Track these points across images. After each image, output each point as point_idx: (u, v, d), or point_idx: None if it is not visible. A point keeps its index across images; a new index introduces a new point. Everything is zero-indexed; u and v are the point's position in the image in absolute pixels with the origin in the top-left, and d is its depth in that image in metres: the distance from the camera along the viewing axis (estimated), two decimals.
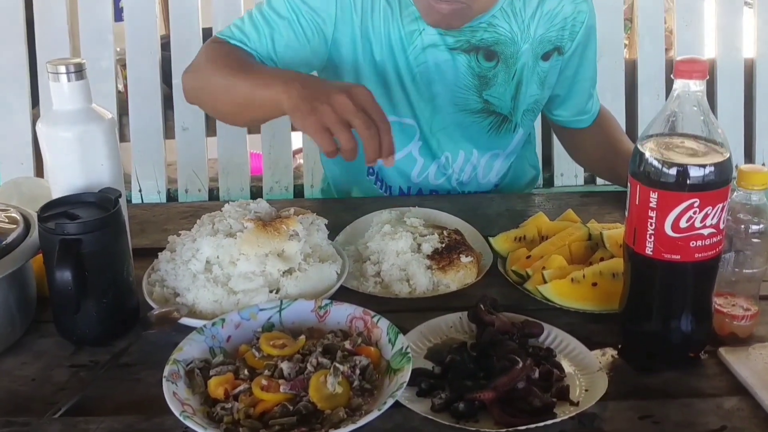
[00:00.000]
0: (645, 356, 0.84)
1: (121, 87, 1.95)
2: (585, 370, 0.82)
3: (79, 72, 0.92)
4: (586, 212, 1.19)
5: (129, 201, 1.86)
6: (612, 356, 0.85)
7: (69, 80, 0.91)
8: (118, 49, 1.87)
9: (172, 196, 1.87)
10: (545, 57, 1.25)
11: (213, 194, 1.87)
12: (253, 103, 1.03)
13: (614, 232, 0.99)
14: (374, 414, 0.70)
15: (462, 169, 1.33)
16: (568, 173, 1.88)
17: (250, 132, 1.88)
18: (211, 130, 1.87)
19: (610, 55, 1.86)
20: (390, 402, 0.71)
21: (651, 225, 0.78)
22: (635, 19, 1.92)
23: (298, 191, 1.88)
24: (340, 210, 1.22)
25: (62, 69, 0.91)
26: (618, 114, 1.84)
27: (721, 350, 0.84)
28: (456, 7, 1.10)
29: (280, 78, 0.98)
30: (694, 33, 1.89)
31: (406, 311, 0.94)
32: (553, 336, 0.88)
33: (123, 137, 1.87)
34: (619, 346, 0.87)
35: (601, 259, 0.98)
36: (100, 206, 0.89)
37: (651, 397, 0.78)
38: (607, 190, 1.30)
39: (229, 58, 1.12)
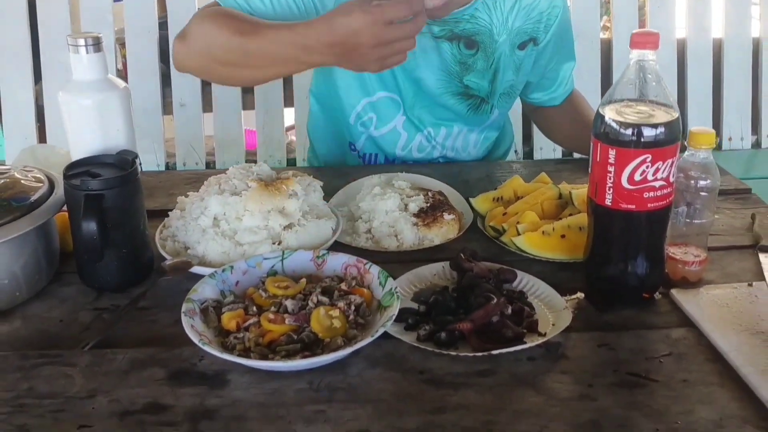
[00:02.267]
0: (606, 298, 0.95)
1: (120, 65, 2.03)
2: (553, 309, 0.93)
3: (97, 45, 1.01)
4: (559, 177, 1.30)
5: None
6: (578, 299, 0.96)
7: (87, 52, 1.01)
8: (117, 29, 1.96)
9: (170, 168, 1.96)
10: (521, 47, 1.35)
11: (210, 167, 1.96)
12: (270, 53, 1.07)
13: (582, 191, 1.10)
14: (368, 340, 0.80)
15: (443, 144, 1.43)
16: (547, 147, 1.99)
17: (244, 108, 1.97)
18: (207, 106, 1.97)
19: (586, 36, 1.97)
20: (381, 330, 0.82)
21: (610, 179, 0.89)
22: (612, 2, 2.03)
23: (291, 164, 1.97)
24: (331, 177, 1.32)
25: (81, 42, 1.00)
26: (594, 91, 1.96)
27: (673, 291, 0.96)
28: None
29: (289, 27, 1.05)
30: (666, 14, 2.00)
31: (394, 263, 1.04)
32: (526, 281, 0.98)
33: None
34: (585, 291, 0.97)
35: (570, 215, 1.08)
36: (119, 166, 0.98)
37: (609, 329, 0.89)
38: (579, 159, 1.41)
39: (242, 18, 1.13)
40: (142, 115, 1.93)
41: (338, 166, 1.50)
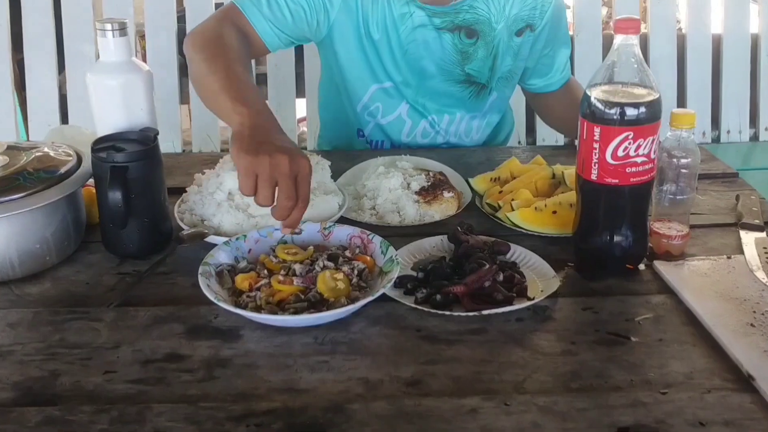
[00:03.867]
0: (593, 268, 1.02)
1: (139, 56, 2.11)
2: (542, 277, 1.00)
3: (123, 30, 1.09)
4: (554, 161, 1.36)
5: None
6: (566, 269, 1.03)
7: (114, 36, 1.08)
8: (137, 22, 2.04)
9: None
10: (518, 33, 1.42)
11: None
12: (218, 109, 1.12)
13: (573, 170, 1.17)
14: (369, 298, 0.88)
15: (447, 130, 1.50)
16: (550, 138, 2.05)
17: None
18: None
19: (588, 31, 2.03)
20: (381, 291, 0.89)
21: (595, 155, 0.95)
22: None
23: (302, 147, 2.05)
24: (339, 159, 1.39)
25: (108, 26, 1.08)
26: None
27: (656, 262, 1.02)
28: None
29: (246, 106, 1.03)
30: (665, 9, 2.06)
31: (396, 236, 1.11)
32: (518, 253, 1.05)
33: None
34: (573, 263, 1.04)
35: (562, 194, 1.15)
36: (142, 142, 1.06)
37: (593, 295, 0.96)
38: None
39: (227, 60, 1.16)
40: (160, 104, 1.97)
41: (347, 150, 1.57)
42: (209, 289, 0.91)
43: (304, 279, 0.93)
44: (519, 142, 2.04)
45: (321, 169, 1.18)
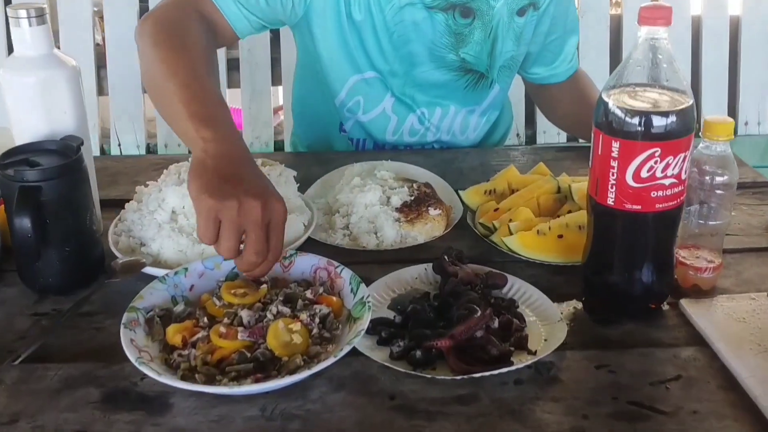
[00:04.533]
0: (606, 308, 0.84)
1: (99, 39, 1.92)
2: (546, 321, 0.82)
3: (41, 17, 0.90)
4: (560, 167, 1.18)
5: (107, 155, 1.86)
6: (574, 308, 0.86)
7: (30, 25, 0.90)
8: (95, 1, 1.84)
9: (151, 151, 1.86)
10: (520, 12, 1.23)
11: None
12: (176, 126, 0.91)
13: (582, 185, 0.99)
14: (329, 361, 0.70)
15: (438, 126, 1.31)
16: (551, 131, 1.87)
17: (229, 86, 1.85)
18: None
19: (594, 10, 1.84)
20: (346, 349, 0.72)
21: (613, 175, 0.77)
22: None
23: (279, 148, 1.86)
24: (312, 163, 1.22)
25: (23, 14, 0.89)
26: (602, 72, 1.83)
27: (683, 302, 0.85)
28: None
29: (211, 128, 0.84)
30: None
31: (373, 263, 0.94)
32: (517, 287, 0.88)
33: (101, 90, 1.85)
34: (583, 299, 0.87)
35: (569, 212, 0.97)
36: (62, 154, 0.88)
37: (609, 347, 0.79)
38: (584, 146, 1.29)
39: (189, 61, 0.95)
40: (122, 92, 1.83)
41: (324, 150, 1.39)
42: (133, 345, 0.73)
43: (252, 331, 0.75)
44: (518, 135, 1.86)
45: (284, 182, 0.99)
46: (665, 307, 0.85)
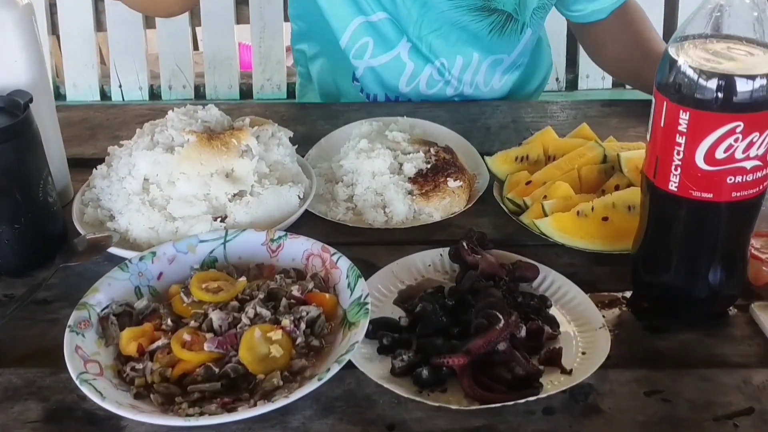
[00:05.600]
0: (660, 311, 0.69)
1: None
2: (584, 327, 0.67)
3: None
4: (606, 126, 1.02)
5: (108, 98, 1.71)
6: (619, 309, 0.71)
7: None
8: None
9: (155, 93, 1.71)
10: None
11: (199, 91, 1.71)
12: None
13: (635, 154, 0.82)
14: (311, 386, 0.56)
15: (460, 79, 1.13)
16: (595, 75, 1.67)
17: (238, 22, 1.68)
18: (196, 19, 1.69)
19: None
20: (334, 369, 0.58)
21: (678, 154, 0.61)
22: None
23: (292, 90, 1.70)
24: (317, 117, 1.06)
25: None
26: (656, 7, 1.61)
27: (755, 306, 0.69)
28: None
29: None
30: None
31: (379, 244, 0.79)
32: (550, 281, 0.73)
33: (100, 26, 1.69)
34: (629, 296, 0.72)
35: (617, 188, 0.81)
36: (9, 113, 0.73)
37: (662, 365, 0.64)
38: (634, 98, 1.11)
39: None
40: (122, 28, 1.67)
41: (335, 100, 1.22)
42: (77, 355, 0.60)
43: (222, 340, 0.61)
44: (557, 80, 1.67)
45: (276, 144, 0.84)
46: (732, 311, 0.70)
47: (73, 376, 0.58)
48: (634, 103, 1.09)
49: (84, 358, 0.60)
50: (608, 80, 1.68)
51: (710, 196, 0.61)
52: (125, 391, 0.59)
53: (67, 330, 0.62)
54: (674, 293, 0.68)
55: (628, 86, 1.64)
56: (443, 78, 1.13)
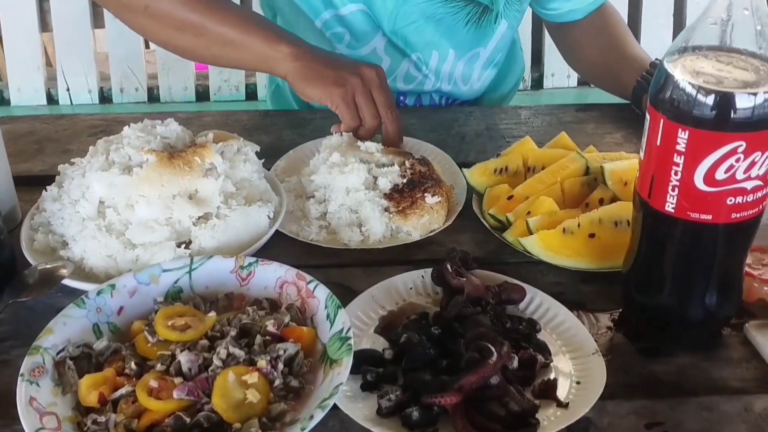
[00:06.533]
0: (653, 333, 0.66)
1: None
2: (577, 353, 0.64)
3: None
4: (582, 132, 0.99)
5: (56, 102, 1.63)
6: (611, 330, 0.68)
7: None
8: None
9: (105, 96, 1.63)
10: None
11: (153, 94, 1.63)
12: (239, 58, 0.93)
13: (619, 166, 0.79)
14: None
15: (437, 72, 1.10)
16: (560, 73, 1.65)
17: None
18: None
19: None
20: (318, 416, 0.53)
21: (676, 174, 0.58)
22: None
23: (251, 92, 1.64)
24: (283, 126, 1.01)
25: None
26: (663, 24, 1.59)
27: (749, 326, 0.67)
28: None
29: (286, 42, 0.90)
30: None
31: (356, 265, 0.75)
32: (538, 302, 0.69)
33: (45, 26, 1.60)
34: (617, 316, 0.69)
35: (601, 201, 0.78)
36: None
37: (661, 394, 0.61)
38: (608, 103, 1.09)
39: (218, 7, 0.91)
40: (68, 27, 1.59)
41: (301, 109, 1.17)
42: (31, 408, 0.54)
43: (193, 385, 0.56)
44: (523, 79, 1.63)
45: (243, 161, 0.79)
46: (725, 330, 0.67)
47: None
48: (609, 108, 1.06)
49: (39, 411, 0.54)
50: (573, 79, 1.66)
51: (709, 217, 0.58)
52: None
53: (20, 379, 0.56)
54: (668, 315, 0.65)
55: (593, 85, 1.62)
56: (421, 72, 1.09)
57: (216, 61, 0.99)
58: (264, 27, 0.91)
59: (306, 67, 0.88)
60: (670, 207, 0.59)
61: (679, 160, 0.57)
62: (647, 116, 0.60)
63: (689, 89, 0.56)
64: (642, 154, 0.61)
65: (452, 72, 1.10)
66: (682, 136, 0.56)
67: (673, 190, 0.58)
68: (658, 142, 0.58)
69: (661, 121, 0.58)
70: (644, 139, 0.61)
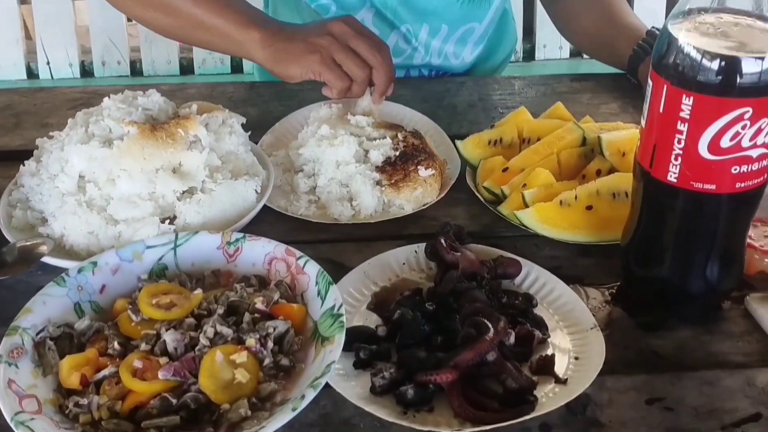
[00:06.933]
0: (652, 307, 0.65)
1: None
2: (574, 328, 0.62)
3: None
4: (577, 102, 0.97)
5: (36, 77, 1.58)
6: (608, 305, 0.66)
7: None
8: None
9: (87, 70, 1.59)
10: None
11: (135, 67, 1.59)
12: (219, 36, 0.88)
13: (617, 136, 0.77)
14: (284, 417, 0.50)
15: (428, 47, 1.07)
16: (552, 44, 1.62)
17: None
18: None
19: None
20: (310, 396, 0.51)
21: (679, 142, 0.56)
22: None
23: (236, 64, 1.60)
24: (270, 98, 0.98)
25: None
26: None
27: (750, 298, 0.65)
28: None
29: (257, 27, 0.86)
30: None
31: (347, 241, 0.73)
32: (534, 277, 0.67)
33: None
34: (615, 290, 0.67)
35: (598, 173, 0.76)
36: None
37: (661, 367, 0.60)
38: (602, 72, 1.06)
39: None
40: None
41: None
42: (10, 391, 0.52)
43: (179, 365, 0.54)
44: (515, 51, 1.61)
45: (228, 133, 0.76)
46: (726, 304, 0.66)
47: (8, 418, 0.50)
48: (605, 78, 1.04)
49: (19, 393, 0.52)
50: (566, 50, 1.63)
51: (712, 187, 0.56)
52: (69, 430, 0.51)
53: None
54: (668, 288, 0.63)
55: (586, 56, 1.59)
56: (410, 45, 1.06)
57: (191, 42, 0.96)
58: (234, 9, 0.87)
59: (277, 50, 0.86)
60: (672, 177, 0.57)
61: (682, 127, 0.55)
62: (649, 82, 0.58)
63: (694, 54, 0.54)
64: (643, 122, 0.59)
65: (444, 45, 1.07)
66: (687, 103, 0.54)
67: (676, 159, 0.56)
68: (661, 109, 0.56)
69: (665, 87, 0.55)
70: (646, 107, 0.59)
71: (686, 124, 0.55)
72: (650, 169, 0.59)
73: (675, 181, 0.57)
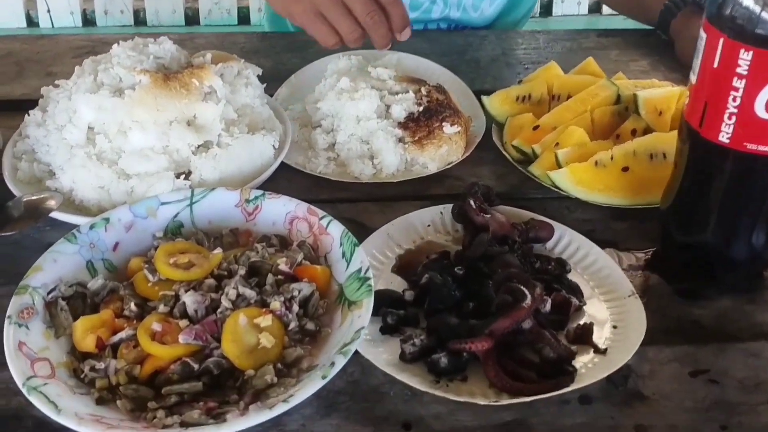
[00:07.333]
0: (694, 276, 0.62)
1: None
2: (611, 295, 0.59)
3: None
4: (605, 59, 0.92)
5: (36, 25, 1.53)
6: (645, 273, 0.63)
7: None
8: None
9: (88, 19, 1.54)
10: None
11: (139, 17, 1.54)
12: None
13: (652, 94, 0.73)
14: (313, 386, 0.47)
15: (446, 1, 1.02)
16: (570, 1, 1.57)
17: None
18: None
19: None
20: (340, 363, 0.49)
21: (734, 100, 0.52)
22: None
23: (243, 15, 1.55)
24: (284, 49, 0.94)
25: None
26: None
27: None
28: None
29: None
30: None
31: (368, 200, 0.70)
32: (567, 241, 0.64)
33: None
34: (651, 254, 0.64)
35: (633, 132, 0.72)
36: None
37: (703, 338, 0.57)
38: (629, 28, 1.02)
39: None
40: None
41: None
42: (20, 355, 0.49)
43: (201, 328, 0.51)
44: None
45: (244, 84, 0.72)
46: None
47: (19, 383, 0.47)
48: (633, 33, 0.99)
49: (30, 356, 0.49)
50: (584, 5, 1.58)
51: (767, 149, 0.53)
52: (85, 395, 0.48)
53: (7, 322, 0.51)
54: (711, 254, 0.60)
55: (605, 10, 1.54)
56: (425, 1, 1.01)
57: None
58: None
59: None
60: (724, 137, 0.54)
61: (739, 84, 0.51)
62: (702, 35, 0.54)
63: (753, 5, 0.50)
64: (693, 78, 0.55)
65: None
66: (744, 57, 0.50)
67: (729, 118, 0.53)
68: (716, 65, 0.52)
69: (721, 40, 0.52)
70: (697, 62, 0.55)
71: (743, 81, 0.51)
72: (699, 129, 0.55)
73: (727, 141, 0.54)
